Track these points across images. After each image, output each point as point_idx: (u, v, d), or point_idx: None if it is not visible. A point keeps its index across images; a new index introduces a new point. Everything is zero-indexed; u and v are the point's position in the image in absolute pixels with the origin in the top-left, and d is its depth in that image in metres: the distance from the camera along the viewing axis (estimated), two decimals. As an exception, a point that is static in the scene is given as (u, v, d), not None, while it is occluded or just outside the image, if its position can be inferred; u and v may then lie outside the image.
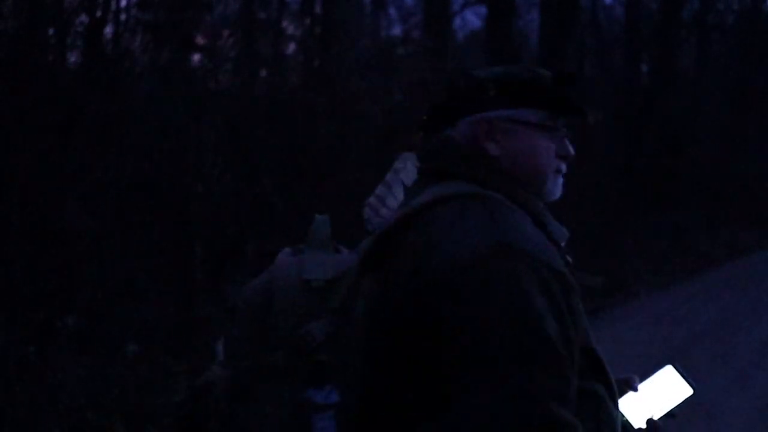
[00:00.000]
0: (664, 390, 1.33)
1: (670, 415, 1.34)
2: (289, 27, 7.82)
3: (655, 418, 1.30)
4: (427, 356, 0.96)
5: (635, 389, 1.28)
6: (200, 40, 5.94)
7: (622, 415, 1.19)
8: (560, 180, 1.18)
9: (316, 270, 1.11)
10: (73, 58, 5.43)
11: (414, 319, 0.98)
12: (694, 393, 1.35)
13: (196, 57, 6.04)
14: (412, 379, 0.98)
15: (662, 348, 5.83)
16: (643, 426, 1.28)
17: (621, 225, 10.24)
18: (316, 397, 1.07)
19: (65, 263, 4.60)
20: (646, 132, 12.50)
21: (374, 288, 1.05)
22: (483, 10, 11.86)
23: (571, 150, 1.19)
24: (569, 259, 1.09)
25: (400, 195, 1.30)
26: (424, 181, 1.12)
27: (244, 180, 5.90)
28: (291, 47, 7.80)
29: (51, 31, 5.06)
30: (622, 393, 1.25)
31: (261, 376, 1.07)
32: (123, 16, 5.59)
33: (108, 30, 5.48)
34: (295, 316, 1.08)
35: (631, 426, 1.26)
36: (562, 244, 1.11)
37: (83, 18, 5.23)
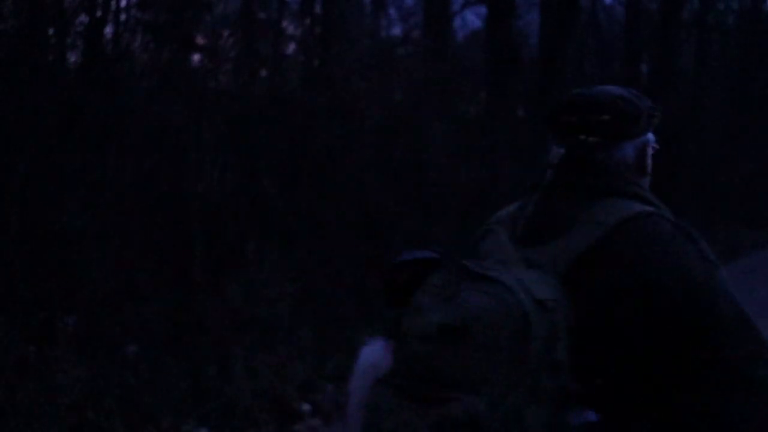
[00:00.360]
0: None
1: None
2: (289, 27, 7.82)
3: None
4: (667, 357, 1.11)
5: None
6: (200, 40, 5.94)
7: None
8: None
9: (546, 289, 1.10)
10: (73, 57, 5.43)
11: (651, 327, 1.12)
12: None
13: (196, 57, 6.04)
14: (650, 378, 1.12)
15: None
16: None
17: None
18: (580, 419, 1.11)
19: (65, 263, 4.60)
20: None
21: (585, 300, 1.12)
22: (483, 10, 11.85)
23: None
24: None
25: None
26: (579, 196, 1.22)
27: (244, 180, 5.90)
28: (291, 47, 7.80)
29: (51, 31, 5.06)
30: None
31: (531, 401, 1.06)
32: (123, 16, 5.59)
33: (108, 30, 5.48)
34: (543, 339, 1.08)
35: None
36: None
37: (83, 18, 5.23)
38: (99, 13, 5.28)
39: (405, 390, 1.07)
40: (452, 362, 1.05)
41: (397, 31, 12.37)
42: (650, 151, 1.28)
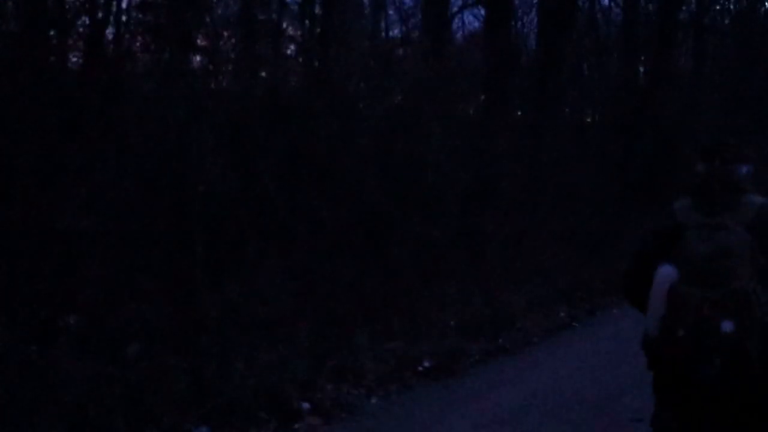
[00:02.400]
0: None
1: None
2: (288, 28, 7.84)
3: None
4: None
5: None
6: (201, 41, 5.96)
7: None
8: None
9: (746, 232, 2.22)
10: (74, 59, 5.45)
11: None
12: None
13: (197, 58, 6.06)
14: None
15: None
16: None
17: (618, 224, 10.27)
18: None
19: (67, 263, 4.62)
20: (643, 132, 12.55)
21: (758, 235, 2.20)
22: (482, 11, 11.88)
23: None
24: None
25: None
26: (731, 191, 2.35)
27: (244, 180, 5.92)
28: (291, 48, 7.83)
29: (52, 33, 5.08)
30: None
31: (759, 284, 2.14)
32: (124, 18, 5.62)
33: (109, 31, 5.50)
34: (758, 255, 2.21)
35: None
36: None
37: (84, 19, 5.26)
38: (100, 15, 5.31)
39: (699, 284, 2.14)
40: (724, 267, 2.13)
41: (396, 32, 12.41)
42: (752, 174, 2.39)
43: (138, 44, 5.51)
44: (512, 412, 4.77)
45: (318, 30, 7.71)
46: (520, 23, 13.26)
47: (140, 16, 5.53)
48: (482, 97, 10.28)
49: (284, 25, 7.72)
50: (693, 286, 2.13)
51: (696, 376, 2.14)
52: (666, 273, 2.16)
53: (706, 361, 2.11)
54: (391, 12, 12.89)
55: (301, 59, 7.62)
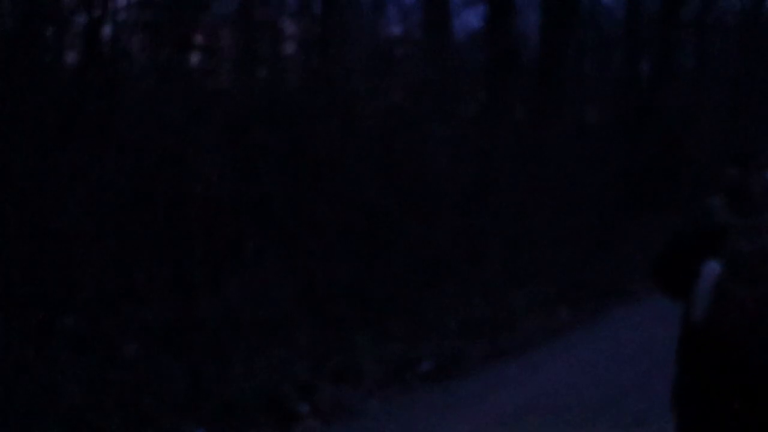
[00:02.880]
0: None
1: None
2: (288, 27, 7.81)
3: None
4: None
5: None
6: (199, 39, 5.93)
7: None
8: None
9: None
10: (71, 58, 5.43)
11: None
12: None
13: (195, 57, 6.03)
14: None
15: (661, 348, 5.82)
16: None
17: (620, 224, 10.23)
18: None
19: (64, 263, 4.60)
20: (645, 131, 12.51)
21: None
22: (483, 9, 11.84)
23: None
24: None
25: None
26: (761, 195, 2.57)
27: (243, 180, 5.89)
28: (290, 47, 7.80)
29: (49, 31, 5.05)
30: None
31: None
32: (121, 16, 5.58)
33: (106, 30, 5.47)
34: None
35: None
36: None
37: (81, 18, 5.23)
38: (97, 13, 5.28)
39: (743, 282, 2.38)
40: (764, 267, 2.38)
41: (396, 30, 12.35)
42: None
43: (135, 43, 5.48)
44: (513, 414, 4.75)
45: (317, 28, 7.68)
46: (521, 21, 13.21)
47: (138, 14, 5.50)
48: (482, 95, 10.24)
49: (283, 23, 7.69)
50: (738, 284, 2.41)
51: (747, 362, 2.39)
52: (712, 270, 2.42)
53: (756, 350, 2.38)
54: (391, 10, 12.84)
55: (300, 58, 7.59)
